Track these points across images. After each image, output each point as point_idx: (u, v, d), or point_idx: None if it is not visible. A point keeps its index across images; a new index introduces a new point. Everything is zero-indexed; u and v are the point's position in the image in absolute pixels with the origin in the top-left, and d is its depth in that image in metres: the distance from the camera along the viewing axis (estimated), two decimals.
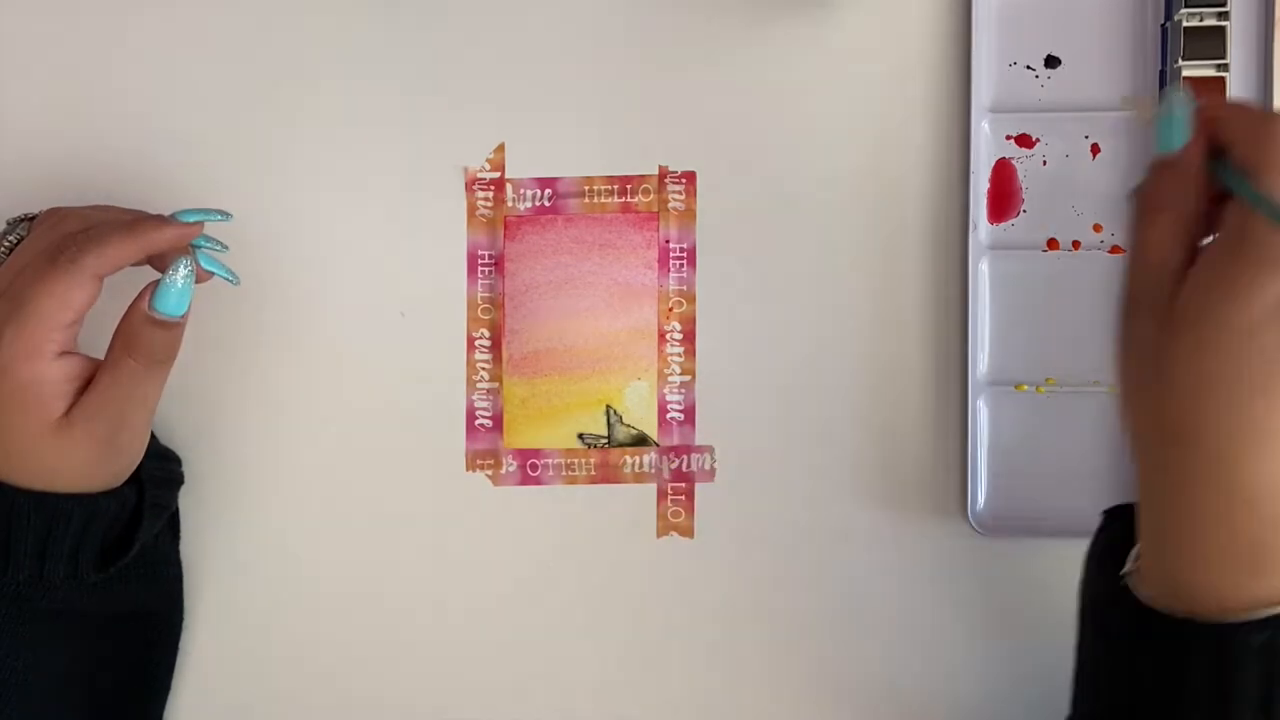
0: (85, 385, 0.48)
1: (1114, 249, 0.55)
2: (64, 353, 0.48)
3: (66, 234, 0.48)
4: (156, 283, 0.48)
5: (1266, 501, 0.33)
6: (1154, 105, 0.41)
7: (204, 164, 0.58)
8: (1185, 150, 0.40)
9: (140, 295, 0.48)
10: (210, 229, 0.53)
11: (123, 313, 0.48)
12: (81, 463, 0.48)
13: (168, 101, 0.59)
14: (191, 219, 0.50)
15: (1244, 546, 0.33)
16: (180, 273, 0.48)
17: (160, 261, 0.51)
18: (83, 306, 0.48)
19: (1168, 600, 0.35)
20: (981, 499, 0.56)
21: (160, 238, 0.49)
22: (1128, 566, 0.37)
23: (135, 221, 0.49)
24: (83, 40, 0.59)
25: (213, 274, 0.51)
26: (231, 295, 0.57)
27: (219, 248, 0.52)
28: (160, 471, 0.54)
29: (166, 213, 0.50)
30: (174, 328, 0.48)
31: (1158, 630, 0.35)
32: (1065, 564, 0.55)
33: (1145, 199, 0.41)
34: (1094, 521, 0.47)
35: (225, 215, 0.51)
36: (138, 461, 0.51)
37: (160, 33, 0.59)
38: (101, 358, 0.49)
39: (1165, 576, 0.35)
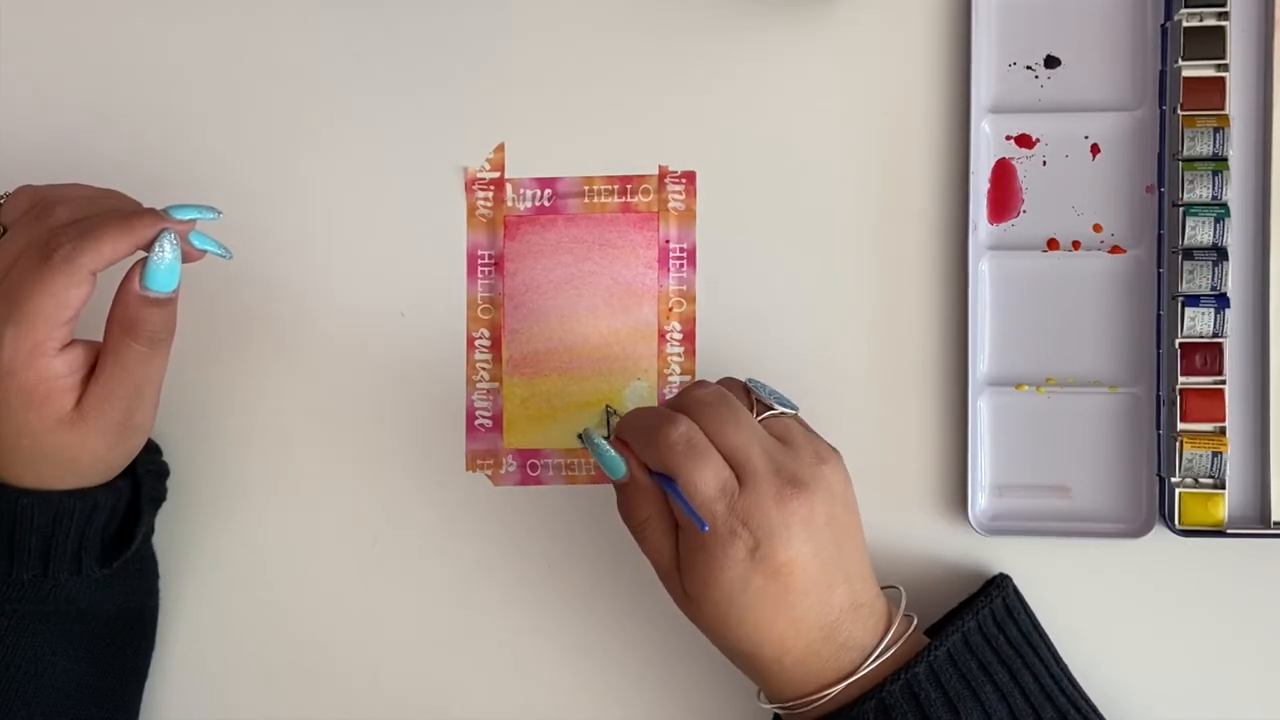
0: (90, 373, 0.48)
1: (1114, 249, 0.55)
2: (64, 346, 0.48)
3: (55, 227, 0.48)
4: (143, 262, 0.47)
5: (773, 660, 0.48)
6: (592, 449, 0.49)
7: (204, 163, 0.58)
8: (630, 473, 0.48)
9: (128, 276, 0.47)
10: (205, 227, 0.52)
11: (110, 290, 0.48)
12: (100, 448, 0.49)
13: (168, 101, 0.59)
14: (185, 215, 0.49)
15: (788, 677, 0.48)
16: (166, 248, 0.47)
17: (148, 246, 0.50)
18: (80, 304, 0.47)
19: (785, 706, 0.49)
20: (981, 499, 0.56)
21: (153, 234, 0.48)
22: (764, 702, 0.51)
23: (128, 217, 0.48)
24: (83, 39, 0.59)
25: (205, 252, 0.50)
26: (232, 295, 0.57)
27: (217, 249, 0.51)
28: (153, 465, 0.55)
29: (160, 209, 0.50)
30: (168, 304, 0.48)
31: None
32: (1064, 563, 0.55)
33: (628, 518, 0.49)
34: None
35: (216, 212, 0.50)
36: (149, 434, 0.52)
37: (160, 32, 0.59)
38: (93, 337, 0.48)
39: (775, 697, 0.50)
